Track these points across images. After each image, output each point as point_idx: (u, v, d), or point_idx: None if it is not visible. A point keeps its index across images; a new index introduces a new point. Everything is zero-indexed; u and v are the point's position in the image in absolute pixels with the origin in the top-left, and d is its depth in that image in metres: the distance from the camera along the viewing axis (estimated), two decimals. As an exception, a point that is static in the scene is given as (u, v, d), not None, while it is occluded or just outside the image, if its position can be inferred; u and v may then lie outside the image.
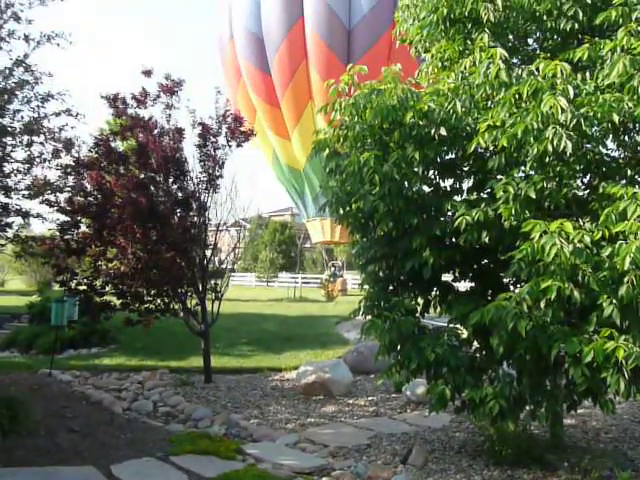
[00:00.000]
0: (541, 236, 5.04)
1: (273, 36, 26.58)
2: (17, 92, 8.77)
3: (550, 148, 5.17)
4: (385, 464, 7.02)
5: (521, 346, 5.37)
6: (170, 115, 11.27)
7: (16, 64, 9.10)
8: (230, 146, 11.33)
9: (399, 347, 6.56)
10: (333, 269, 35.59)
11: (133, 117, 11.09)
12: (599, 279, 5.05)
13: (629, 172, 6.21)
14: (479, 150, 6.38)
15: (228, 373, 12.13)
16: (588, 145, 5.64)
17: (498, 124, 5.57)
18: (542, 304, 5.13)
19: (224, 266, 12.43)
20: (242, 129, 11.34)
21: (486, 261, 6.82)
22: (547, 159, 5.40)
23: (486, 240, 5.85)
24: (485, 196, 6.44)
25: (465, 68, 6.30)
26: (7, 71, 8.99)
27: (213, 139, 11.17)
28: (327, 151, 7.15)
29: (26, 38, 9.23)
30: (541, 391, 5.91)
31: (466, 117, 6.09)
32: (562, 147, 5.04)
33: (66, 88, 9.30)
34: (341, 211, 6.84)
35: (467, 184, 6.87)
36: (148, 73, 11.39)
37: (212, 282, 11.74)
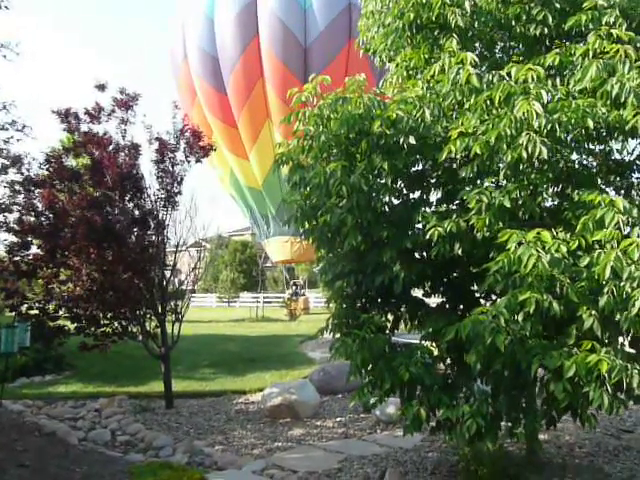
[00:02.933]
0: (517, 246, 4.84)
1: (228, 55, 26.32)
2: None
3: (525, 155, 5.00)
4: (358, 489, 6.72)
5: (499, 362, 5.15)
6: (125, 130, 10.89)
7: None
8: (189, 162, 10.98)
9: (371, 366, 6.27)
10: (295, 288, 35.26)
11: (86, 133, 10.67)
12: (577, 290, 4.87)
13: (599, 181, 6.10)
14: (449, 159, 6.19)
15: (190, 397, 11.67)
16: (563, 152, 5.48)
17: (470, 131, 5.39)
18: (520, 317, 4.92)
19: (184, 287, 12.02)
20: (201, 144, 11.01)
21: (457, 274, 6.61)
22: (521, 167, 5.24)
23: (459, 252, 5.64)
24: (455, 207, 6.26)
25: (433, 75, 6.12)
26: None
27: (171, 155, 10.80)
28: (290, 164, 6.88)
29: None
30: (519, 408, 5.70)
31: (435, 125, 5.90)
32: (537, 153, 4.87)
33: (12, 100, 8.86)
34: (307, 225, 6.56)
35: (436, 195, 6.68)
36: (102, 87, 11.00)
37: (172, 303, 11.30)
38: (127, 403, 11.00)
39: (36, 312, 10.57)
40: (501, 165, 5.38)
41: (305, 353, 15.79)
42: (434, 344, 6.45)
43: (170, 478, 6.96)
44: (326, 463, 7.65)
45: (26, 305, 10.65)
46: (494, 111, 5.41)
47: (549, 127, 4.97)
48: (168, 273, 11.22)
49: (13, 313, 10.77)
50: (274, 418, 10.05)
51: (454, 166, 6.33)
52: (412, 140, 5.76)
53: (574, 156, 5.87)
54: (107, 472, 7.37)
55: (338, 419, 10.05)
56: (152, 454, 8.47)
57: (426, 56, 6.64)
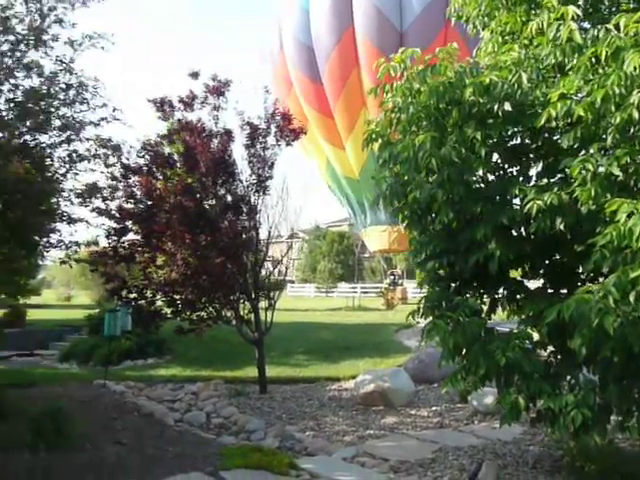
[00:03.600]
0: (628, 218, 4.34)
1: (323, 45, 26.25)
2: (61, 96, 8.56)
3: (636, 115, 4.46)
4: (452, 481, 6.38)
5: (607, 347, 4.66)
6: (218, 117, 10.96)
7: (63, 70, 8.91)
8: (280, 145, 10.91)
9: (464, 351, 5.90)
10: (392, 277, 34.82)
11: (180, 120, 10.82)
12: (700, 266, 4.30)
13: None
14: (549, 129, 5.69)
15: (284, 383, 11.66)
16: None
17: (572, 92, 4.90)
18: (632, 297, 4.41)
19: (277, 273, 11.99)
20: (291, 127, 10.91)
21: (559, 253, 6.10)
22: (632, 130, 4.70)
23: (561, 228, 5.15)
24: (556, 181, 5.76)
25: (530, 38, 5.65)
26: (52, 75, 8.80)
27: (262, 139, 10.78)
28: (379, 141, 6.60)
29: (71, 42, 9.04)
30: (631, 399, 5.16)
31: (533, 91, 5.42)
32: (651, 112, 4.34)
33: (111, 92, 9.07)
34: (396, 203, 6.27)
35: (535, 169, 6.18)
36: (195, 75, 11.12)
37: (265, 289, 11.30)
38: (223, 387, 11.11)
39: (134, 296, 10.84)
40: (609, 129, 4.84)
41: (401, 341, 15.44)
42: (534, 329, 6.00)
43: (260, 461, 6.86)
44: (419, 453, 7.34)
45: (125, 289, 10.94)
46: (600, 70, 4.89)
47: (665, 83, 4.42)
48: (260, 258, 11.22)
49: (114, 297, 11.10)
50: (367, 405, 9.83)
51: (555, 137, 5.83)
52: (508, 107, 5.32)
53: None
54: (200, 453, 7.39)
55: (433, 408, 9.69)
56: (244, 437, 8.48)
57: (523, 19, 6.15)
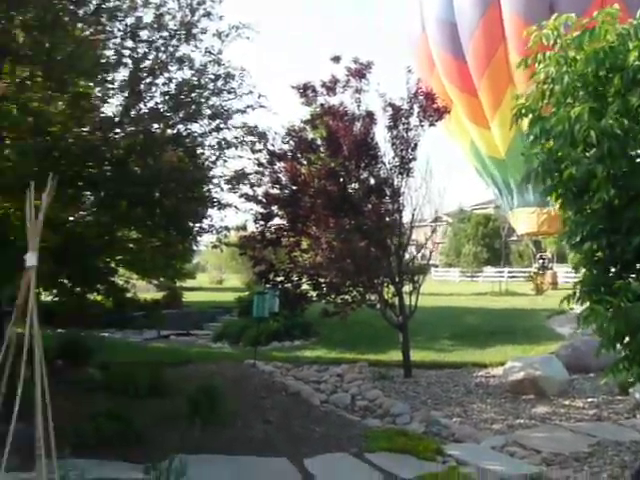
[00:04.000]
0: None
1: (467, 21, 25.36)
2: (210, 86, 8.90)
3: None
4: (612, 477, 5.97)
5: None
6: (360, 100, 10.92)
7: (212, 62, 9.25)
8: (423, 126, 10.69)
9: (627, 339, 5.44)
10: (541, 261, 33.22)
11: (323, 105, 10.92)
12: None
13: None
14: None
15: (428, 368, 11.50)
16: None
17: None
18: None
19: (420, 255, 11.83)
20: (435, 106, 10.65)
21: None
22: None
23: None
24: None
25: None
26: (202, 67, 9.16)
27: (404, 120, 10.61)
28: (530, 116, 6.21)
29: (218, 34, 9.35)
30: None
31: None
32: None
33: (255, 80, 9.29)
34: (549, 181, 5.87)
35: None
36: (337, 59, 11.15)
37: (409, 273, 11.18)
38: (367, 370, 11.16)
39: (281, 279, 11.14)
40: None
41: (552, 328, 14.68)
42: None
43: (405, 445, 6.81)
44: (574, 446, 6.94)
45: (273, 273, 11.27)
46: None
47: None
48: (406, 243, 11.11)
49: (262, 280, 11.48)
50: (516, 393, 9.45)
51: None
52: (679, 71, 4.80)
53: None
54: (344, 434, 7.48)
55: (589, 399, 9.13)
56: (389, 421, 8.47)
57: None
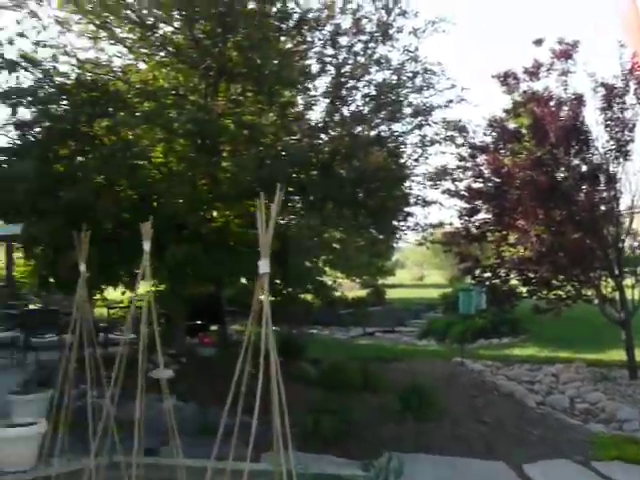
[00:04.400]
0: None
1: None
2: (409, 84, 8.87)
3: None
4: None
5: None
6: (566, 82, 10.22)
7: (409, 60, 9.23)
8: (640, 104, 9.73)
9: None
10: None
11: (526, 92, 10.40)
12: None
13: None
14: None
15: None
16: None
17: None
18: None
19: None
20: (656, 81, 9.62)
21: None
22: None
23: None
24: None
25: None
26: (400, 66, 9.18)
27: (619, 100, 9.73)
28: None
29: (414, 32, 9.30)
30: None
31: None
32: None
33: (455, 75, 9.09)
34: None
35: None
36: (539, 42, 10.52)
37: (630, 265, 10.25)
38: (584, 370, 10.49)
39: (488, 275, 10.82)
40: None
41: None
42: None
43: (638, 455, 6.25)
44: None
45: (479, 269, 10.98)
46: None
47: None
48: (625, 233, 10.21)
49: (468, 277, 11.26)
50: None
51: None
52: None
53: None
54: (564, 438, 7.06)
55: None
56: (615, 427, 7.89)
57: None
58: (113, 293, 9.95)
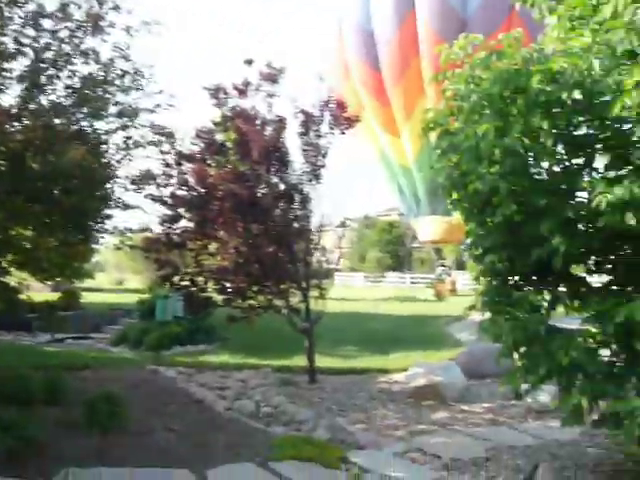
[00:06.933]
0: None
1: (383, 31, 25.86)
2: (117, 82, 8.60)
3: None
4: (507, 482, 6.19)
5: (680, 350, 4.39)
6: (271, 104, 10.88)
7: (119, 57, 8.93)
8: (333, 134, 10.76)
9: (524, 349, 5.69)
10: (442, 269, 34.41)
11: (234, 107, 10.80)
12: None
13: None
14: (619, 119, 5.39)
15: (333, 374, 11.58)
16: None
17: (649, 81, 4.61)
18: None
19: (328, 263, 11.90)
20: (345, 115, 10.75)
21: (629, 249, 5.80)
22: None
23: (632, 223, 4.87)
24: (626, 173, 5.46)
25: (602, 20, 5.33)
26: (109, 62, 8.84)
27: (315, 127, 10.65)
28: (438, 130, 6.39)
29: (127, 29, 9.05)
30: None
31: (605, 78, 5.13)
32: None
33: (165, 78, 9.04)
34: (455, 194, 6.06)
35: (603, 162, 5.87)
36: (249, 62, 11.05)
37: (316, 279, 11.21)
38: (272, 376, 11.09)
39: (186, 283, 10.90)
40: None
41: (451, 334, 15.20)
42: (597, 327, 5.72)
43: (311, 453, 6.80)
44: (473, 451, 7.15)
45: (178, 276, 11.00)
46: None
47: None
48: (312, 247, 11.14)
49: (166, 284, 11.20)
50: (417, 399, 9.67)
51: (624, 127, 5.53)
52: (577, 95, 5.04)
53: None
54: (248, 442, 7.38)
55: (486, 405, 9.47)
56: (294, 428, 8.42)
57: (593, 2, 5.83)
58: None
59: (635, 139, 5.15)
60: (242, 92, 10.92)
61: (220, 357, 12.98)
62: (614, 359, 5.85)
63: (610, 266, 6.06)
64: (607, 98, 5.22)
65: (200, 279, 10.89)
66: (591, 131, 5.80)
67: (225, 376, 11.11)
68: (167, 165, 10.65)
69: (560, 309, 6.33)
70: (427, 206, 28.16)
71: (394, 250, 46.62)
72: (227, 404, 9.40)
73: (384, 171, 29.98)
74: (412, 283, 36.71)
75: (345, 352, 13.52)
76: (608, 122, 5.31)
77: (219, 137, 11.04)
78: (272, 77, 10.79)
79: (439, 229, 28.48)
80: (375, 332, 15.68)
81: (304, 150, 10.76)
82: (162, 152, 10.20)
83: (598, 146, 5.87)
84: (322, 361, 11.92)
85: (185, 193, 10.83)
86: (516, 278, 6.33)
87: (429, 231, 29.40)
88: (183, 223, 10.96)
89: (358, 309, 20.72)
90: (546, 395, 8.49)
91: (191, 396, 9.54)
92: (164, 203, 10.76)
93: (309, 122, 10.66)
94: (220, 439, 7.39)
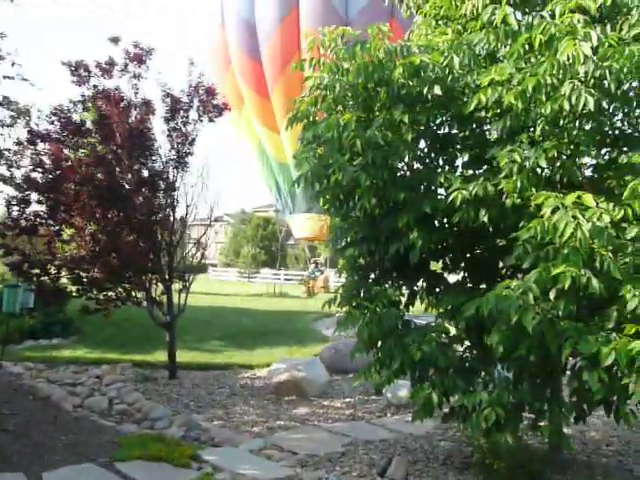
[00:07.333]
0: (554, 212, 4.18)
1: (266, 23, 25.58)
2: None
3: (567, 106, 4.30)
4: (360, 476, 6.17)
5: (524, 345, 4.51)
6: (137, 86, 10.30)
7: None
8: (202, 121, 10.37)
9: (380, 343, 5.69)
10: (315, 265, 34.77)
11: (96, 87, 10.13)
12: (621, 266, 4.20)
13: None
14: (478, 121, 5.52)
15: (195, 369, 11.19)
16: (612, 106, 4.76)
17: (503, 80, 4.70)
18: (552, 295, 4.27)
19: (198, 253, 11.48)
20: (215, 102, 10.38)
21: (482, 247, 5.96)
22: (562, 122, 4.55)
23: (484, 219, 4.98)
24: (482, 172, 5.59)
25: (464, 23, 5.43)
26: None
27: (183, 113, 10.21)
28: (304, 121, 6.27)
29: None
30: (544, 398, 5.06)
31: (464, 77, 5.21)
32: (582, 104, 4.17)
33: (16, 48, 8.30)
34: (317, 186, 5.95)
35: (462, 160, 6.00)
36: (115, 40, 10.43)
37: (180, 271, 10.79)
38: (130, 371, 10.56)
39: (37, 272, 10.11)
40: (538, 121, 4.67)
41: (319, 330, 15.25)
42: (452, 323, 5.84)
43: (160, 452, 6.45)
44: (329, 446, 7.09)
45: (27, 264, 10.16)
46: (533, 59, 4.71)
47: (597, 74, 4.25)
48: (178, 240, 10.70)
49: (14, 272, 10.34)
50: (279, 395, 9.53)
51: (483, 127, 5.67)
52: (437, 90, 5.08)
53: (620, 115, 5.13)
54: (95, 441, 6.91)
55: (347, 400, 9.50)
56: (147, 425, 8.02)
57: (457, 3, 5.93)
58: None
59: (491, 140, 5.26)
60: (106, 71, 10.25)
61: (76, 352, 12.20)
62: (467, 354, 6.00)
63: (464, 264, 6.19)
64: (467, 96, 5.31)
65: (53, 268, 10.12)
66: (454, 131, 5.91)
67: (79, 372, 10.45)
68: (19, 144, 9.81)
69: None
70: (302, 203, 28.26)
71: (269, 246, 46.56)
72: (78, 401, 8.83)
73: (260, 166, 29.77)
74: (286, 280, 36.79)
75: (210, 347, 13.16)
76: (466, 121, 5.39)
77: (78, 117, 10.30)
78: (139, 58, 10.22)
79: (314, 226, 28.68)
80: (243, 327, 15.42)
81: (170, 136, 10.28)
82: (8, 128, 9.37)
83: (458, 145, 5.98)
84: (185, 356, 11.52)
85: (40, 175, 10.00)
86: (376, 273, 6.34)
87: (303, 228, 29.57)
88: (34, 207, 10.12)
89: (229, 304, 20.39)
90: (405, 390, 8.60)
91: (36, 393, 8.86)
92: (15, 185, 9.90)
93: (176, 107, 10.20)
94: (63, 439, 6.87)
